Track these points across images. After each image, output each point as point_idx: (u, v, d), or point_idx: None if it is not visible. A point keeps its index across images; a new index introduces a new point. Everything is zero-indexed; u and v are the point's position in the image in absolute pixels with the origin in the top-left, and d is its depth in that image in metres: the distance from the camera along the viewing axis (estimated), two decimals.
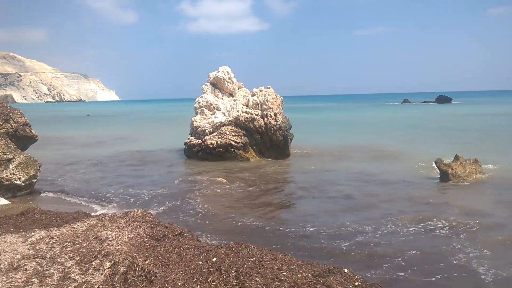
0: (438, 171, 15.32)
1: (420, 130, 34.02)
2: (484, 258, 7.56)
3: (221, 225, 9.87)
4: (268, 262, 5.48)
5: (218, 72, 22.80)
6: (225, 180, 14.88)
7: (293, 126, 22.17)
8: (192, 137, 20.94)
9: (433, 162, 15.80)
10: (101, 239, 6.58)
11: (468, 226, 9.34)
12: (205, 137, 20.34)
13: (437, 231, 9.11)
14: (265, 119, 20.64)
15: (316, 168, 17.45)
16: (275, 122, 20.53)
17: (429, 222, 9.69)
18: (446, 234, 8.93)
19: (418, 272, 7.04)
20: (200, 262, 5.83)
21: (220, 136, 20.06)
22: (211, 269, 5.45)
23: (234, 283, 4.98)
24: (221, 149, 19.74)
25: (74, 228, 7.08)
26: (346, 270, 4.84)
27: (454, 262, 7.45)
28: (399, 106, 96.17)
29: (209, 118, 21.38)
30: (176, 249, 6.46)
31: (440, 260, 7.53)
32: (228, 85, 22.82)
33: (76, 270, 5.62)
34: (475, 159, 15.65)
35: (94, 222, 7.54)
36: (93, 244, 6.40)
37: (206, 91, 22.71)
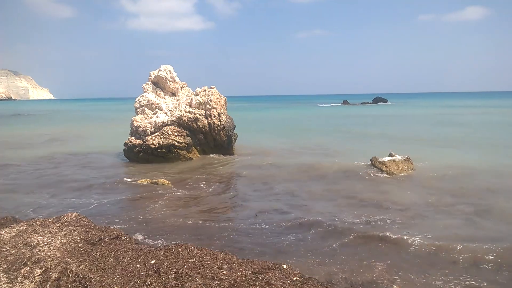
0: (374, 168, 16.17)
1: (356, 129, 35.52)
2: (411, 229, 8.09)
3: (162, 227, 9.66)
4: (208, 262, 5.45)
5: (160, 70, 22.29)
6: (167, 181, 14.58)
7: (238, 126, 22.23)
8: (133, 138, 20.29)
9: (370, 160, 16.63)
10: (31, 245, 6.21)
11: (401, 214, 9.92)
12: (146, 137, 19.79)
13: (378, 222, 9.57)
14: (209, 119, 20.52)
15: (259, 166, 17.64)
16: (219, 122, 20.48)
17: (368, 214, 10.17)
18: (384, 223, 9.41)
19: (359, 261, 7.36)
20: (138, 265, 5.68)
21: (162, 136, 19.62)
22: (150, 272, 5.33)
23: (174, 285, 4.90)
24: (164, 150, 19.33)
25: (1, 234, 6.62)
26: (285, 266, 4.94)
27: (391, 245, 7.88)
28: (338, 107, 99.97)
29: (150, 118, 20.84)
30: (113, 252, 6.25)
31: (375, 245, 7.93)
32: (170, 84, 22.39)
33: (3, 279, 5.25)
34: (407, 157, 16.66)
35: (24, 228, 7.09)
36: (23, 250, 6.03)
37: (147, 90, 22.12)
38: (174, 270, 5.35)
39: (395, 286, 6.37)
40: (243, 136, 23.80)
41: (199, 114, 20.48)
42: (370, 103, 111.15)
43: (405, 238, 8.61)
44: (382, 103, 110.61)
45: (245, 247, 8.26)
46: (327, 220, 9.92)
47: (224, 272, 5.04)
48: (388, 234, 8.88)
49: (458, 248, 8.01)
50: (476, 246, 8.06)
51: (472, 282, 6.62)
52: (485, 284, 6.58)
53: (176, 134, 19.79)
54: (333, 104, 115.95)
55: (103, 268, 5.62)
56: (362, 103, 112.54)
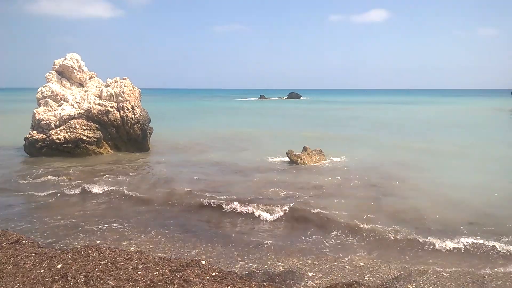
0: (289, 160, 16.74)
1: (272, 124, 36.48)
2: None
3: (69, 228, 8.93)
4: (122, 263, 5.14)
5: (65, 59, 20.61)
6: (73, 178, 13.56)
7: (154, 119, 21.47)
8: (35, 132, 18.54)
9: (286, 153, 17.14)
10: None
11: (317, 199, 10.37)
12: (51, 131, 18.20)
13: (295, 208, 9.85)
14: (122, 112, 19.50)
15: (174, 161, 17.21)
16: (133, 115, 19.56)
17: (285, 202, 10.43)
18: (304, 206, 9.74)
19: (275, 252, 7.50)
20: (42, 271, 5.17)
21: (68, 130, 18.20)
22: (56, 277, 4.88)
23: None
24: (70, 145, 17.96)
25: None
26: (203, 262, 4.84)
27: (308, 231, 8.18)
28: (255, 101, 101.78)
29: (55, 110, 19.20)
30: (12, 258, 5.63)
31: (293, 232, 8.18)
32: (77, 74, 20.84)
33: None
34: (320, 150, 17.48)
35: None
36: None
37: (51, 80, 20.33)
38: (83, 274, 4.96)
39: (310, 273, 6.61)
40: (159, 130, 23.06)
41: (111, 107, 19.36)
42: (285, 98, 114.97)
43: (326, 219, 9.02)
44: (296, 98, 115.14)
45: (162, 245, 7.97)
46: (244, 210, 10.00)
47: (140, 272, 4.79)
48: (307, 218, 9.21)
49: (365, 227, 8.62)
50: (379, 225, 8.72)
51: (379, 256, 7.13)
52: (391, 257, 7.13)
53: (84, 127, 18.50)
54: (250, 99, 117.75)
55: (1, 276, 5.03)
56: (278, 98, 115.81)
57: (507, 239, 8.20)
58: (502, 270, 6.87)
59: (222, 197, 11.25)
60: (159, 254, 6.40)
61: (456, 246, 7.86)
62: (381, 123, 37.39)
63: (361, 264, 7.16)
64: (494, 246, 7.77)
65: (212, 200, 10.84)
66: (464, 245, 7.88)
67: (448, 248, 7.77)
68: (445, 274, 6.76)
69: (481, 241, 7.99)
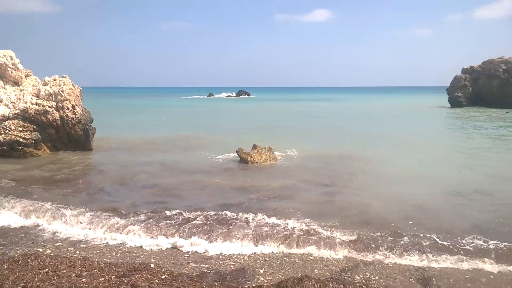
0: (239, 158, 16.74)
1: (221, 122, 36.36)
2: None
3: (4, 237, 8.32)
4: (64, 271, 4.86)
5: None
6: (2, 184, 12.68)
7: (98, 118, 20.59)
8: None
9: (235, 152, 17.11)
10: None
11: (267, 198, 10.44)
12: None
13: (246, 208, 9.84)
14: (61, 112, 18.50)
15: (118, 162, 16.55)
16: (74, 115, 18.63)
17: (235, 201, 10.42)
18: (252, 208, 9.73)
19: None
20: None
21: (3, 132, 17.00)
22: None
23: None
24: (5, 147, 16.79)
25: None
26: (152, 265, 4.69)
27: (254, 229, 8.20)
28: (204, 99, 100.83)
29: None
30: None
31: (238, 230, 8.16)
32: (12, 72, 19.50)
33: None
34: (269, 147, 17.62)
35: None
36: None
37: None
38: (22, 284, 4.63)
39: (261, 270, 6.63)
40: (103, 130, 22.15)
41: (49, 107, 18.31)
42: (234, 96, 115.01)
43: (280, 216, 9.10)
44: (245, 95, 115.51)
45: (112, 250, 7.64)
46: (191, 210, 9.86)
47: (84, 280, 4.54)
48: (255, 218, 9.23)
49: (315, 222, 8.80)
50: (331, 224, 8.95)
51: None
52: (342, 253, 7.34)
53: (20, 129, 17.36)
54: (198, 96, 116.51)
55: None
56: (227, 96, 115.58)
57: (447, 234, 8.69)
58: (444, 263, 7.26)
59: (172, 203, 11.03)
60: (105, 260, 6.12)
61: (399, 239, 8.20)
62: (326, 118, 38.51)
63: (311, 258, 7.31)
64: (435, 239, 8.16)
65: (161, 206, 10.58)
66: (407, 238, 8.26)
67: (391, 242, 8.11)
68: (389, 264, 7.08)
69: (421, 235, 8.40)
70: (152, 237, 8.07)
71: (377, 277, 6.38)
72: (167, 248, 7.70)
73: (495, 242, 7.92)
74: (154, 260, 6.53)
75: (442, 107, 56.73)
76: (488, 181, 13.30)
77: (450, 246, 7.78)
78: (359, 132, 27.70)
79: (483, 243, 7.89)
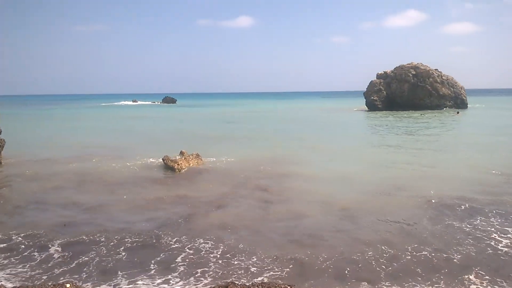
0: (166, 166, 16.33)
1: (146, 129, 35.33)
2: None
3: None
4: None
5: None
6: None
7: (8, 128, 18.88)
8: None
9: (161, 159, 16.68)
10: None
11: (195, 208, 10.30)
12: None
13: (172, 220, 9.60)
14: None
15: (30, 175, 15.27)
16: None
17: (159, 214, 10.13)
18: (177, 220, 9.54)
19: (138, 264, 7.23)
20: None
21: None
22: None
23: None
24: None
25: None
26: (68, 285, 4.40)
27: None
28: (126, 106, 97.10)
29: None
30: None
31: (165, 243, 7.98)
32: None
33: None
34: (197, 154, 17.44)
35: None
36: None
37: None
38: None
39: (172, 273, 6.53)
40: (16, 141, 20.37)
41: None
42: (160, 102, 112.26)
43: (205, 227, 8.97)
44: (172, 103, 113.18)
45: (18, 267, 7.04)
46: (113, 225, 9.45)
47: None
48: (185, 244, 9.07)
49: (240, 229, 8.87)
50: (269, 224, 9.09)
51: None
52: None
53: None
54: (122, 103, 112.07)
55: None
56: (152, 102, 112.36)
57: (370, 229, 9.25)
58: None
59: (87, 222, 10.44)
60: (17, 285, 5.64)
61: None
62: (249, 123, 39.12)
63: (235, 263, 7.36)
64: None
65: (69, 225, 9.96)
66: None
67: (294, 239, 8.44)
68: (305, 258, 7.38)
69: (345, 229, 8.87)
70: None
71: None
72: (85, 268, 7.28)
73: (414, 227, 8.65)
74: (71, 280, 6.10)
75: (360, 110, 60.43)
76: (404, 176, 14.40)
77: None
78: (282, 136, 28.49)
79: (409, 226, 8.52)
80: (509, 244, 8.12)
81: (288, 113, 60.62)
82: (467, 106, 58.96)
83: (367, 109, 59.78)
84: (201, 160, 17.26)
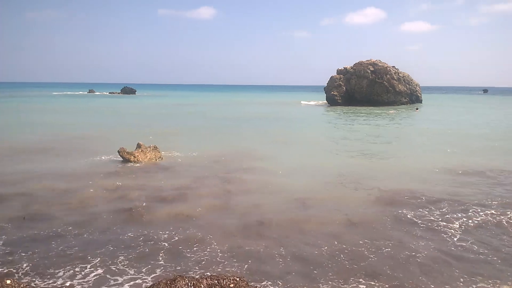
0: (122, 159, 15.92)
1: (102, 120, 34.29)
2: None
3: None
4: None
5: None
6: None
7: None
8: None
9: (117, 152, 16.24)
10: None
11: (153, 199, 10.12)
12: None
13: (132, 211, 9.39)
14: None
15: None
16: None
17: (119, 205, 9.89)
18: (141, 210, 9.34)
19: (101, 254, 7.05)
20: None
21: None
22: None
23: None
24: None
25: None
26: (9, 281, 4.21)
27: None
28: (83, 96, 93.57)
29: None
30: None
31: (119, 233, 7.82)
32: None
33: None
34: (154, 146, 17.09)
35: None
36: None
37: None
38: None
39: (119, 265, 6.43)
40: None
41: None
42: (119, 93, 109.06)
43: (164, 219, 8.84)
44: (131, 94, 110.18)
45: None
46: (63, 218, 9.14)
47: None
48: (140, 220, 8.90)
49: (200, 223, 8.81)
50: (227, 221, 9.08)
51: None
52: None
53: None
54: (78, 92, 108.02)
55: None
56: (110, 93, 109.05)
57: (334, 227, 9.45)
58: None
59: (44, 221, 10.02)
60: None
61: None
62: (215, 117, 38.91)
63: (187, 255, 7.33)
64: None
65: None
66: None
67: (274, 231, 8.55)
68: (260, 249, 7.47)
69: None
70: None
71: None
72: (34, 260, 6.99)
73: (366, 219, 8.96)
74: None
75: (320, 105, 61.58)
76: (360, 169, 14.84)
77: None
78: (243, 130, 28.55)
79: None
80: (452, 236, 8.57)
81: (250, 106, 60.70)
82: (422, 103, 61.41)
83: (327, 103, 60.96)
84: (159, 153, 16.95)
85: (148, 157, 16.33)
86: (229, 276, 4.14)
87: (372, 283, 6.44)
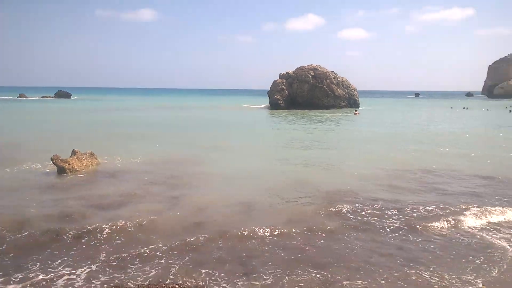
0: (56, 167, 14.90)
1: (31, 128, 32.13)
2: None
3: None
4: None
5: None
6: None
7: None
8: None
9: (50, 159, 15.19)
10: None
11: (92, 209, 9.52)
12: None
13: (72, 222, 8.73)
14: None
15: None
16: None
17: (59, 216, 9.18)
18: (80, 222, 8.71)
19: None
20: None
21: None
22: None
23: None
24: None
25: None
26: None
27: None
28: (11, 101, 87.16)
29: None
30: None
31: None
32: None
33: None
34: (91, 152, 16.22)
35: None
36: None
37: None
38: None
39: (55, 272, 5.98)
40: None
41: None
42: (52, 97, 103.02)
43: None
44: (66, 98, 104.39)
45: None
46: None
47: None
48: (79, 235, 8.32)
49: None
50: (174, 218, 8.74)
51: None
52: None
53: None
54: (4, 98, 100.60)
55: None
56: (42, 97, 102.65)
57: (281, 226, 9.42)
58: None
59: None
60: None
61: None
62: (155, 122, 37.91)
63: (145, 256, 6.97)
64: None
65: None
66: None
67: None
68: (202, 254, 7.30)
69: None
70: None
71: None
72: None
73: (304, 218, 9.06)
74: None
75: (264, 109, 62.30)
76: (302, 170, 15.07)
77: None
78: (183, 134, 28.10)
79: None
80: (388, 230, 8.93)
81: (191, 110, 59.93)
82: (359, 106, 64.19)
83: (270, 107, 61.77)
84: (96, 159, 16.12)
85: (85, 164, 15.44)
86: (168, 284, 3.92)
87: (311, 270, 6.80)
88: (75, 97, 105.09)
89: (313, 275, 6.72)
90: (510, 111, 58.48)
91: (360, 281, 6.52)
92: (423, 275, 6.80)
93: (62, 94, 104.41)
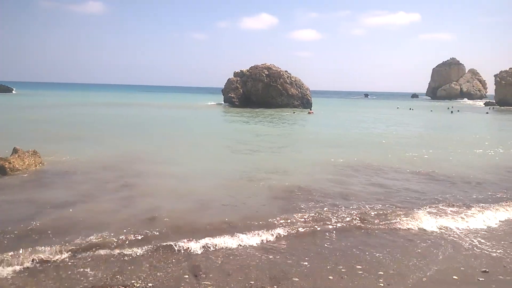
0: None
1: None
2: None
3: None
4: None
5: None
6: None
7: None
8: None
9: None
10: None
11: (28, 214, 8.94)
12: None
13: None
14: None
15: None
16: None
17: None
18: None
19: None
20: None
21: None
22: None
23: None
24: None
25: None
26: None
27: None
28: None
29: None
30: None
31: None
32: None
33: None
34: (34, 151, 15.28)
35: None
36: None
37: None
38: None
39: None
40: None
41: None
42: None
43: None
44: (6, 92, 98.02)
45: None
46: None
47: None
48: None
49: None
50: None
51: None
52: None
53: None
54: None
55: None
56: None
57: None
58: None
59: None
60: None
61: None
62: (107, 119, 36.60)
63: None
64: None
65: None
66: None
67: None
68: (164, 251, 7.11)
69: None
70: None
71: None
72: None
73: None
74: None
75: (218, 106, 62.05)
76: (257, 167, 15.11)
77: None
78: (136, 132, 27.34)
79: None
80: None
81: (145, 107, 58.42)
82: (311, 106, 65.53)
83: (224, 105, 61.63)
84: (40, 158, 15.20)
85: (27, 163, 14.52)
86: (113, 285, 3.74)
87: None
88: (17, 91, 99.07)
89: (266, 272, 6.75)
90: (451, 112, 62.37)
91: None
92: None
93: (3, 88, 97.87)
